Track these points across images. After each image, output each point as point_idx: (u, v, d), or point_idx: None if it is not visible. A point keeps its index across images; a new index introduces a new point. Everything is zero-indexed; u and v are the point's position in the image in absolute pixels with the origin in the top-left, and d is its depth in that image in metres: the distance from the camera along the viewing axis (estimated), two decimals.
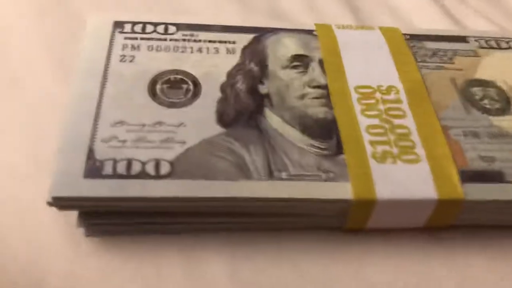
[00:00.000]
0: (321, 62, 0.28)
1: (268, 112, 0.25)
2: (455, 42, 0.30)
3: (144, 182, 0.22)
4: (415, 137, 0.25)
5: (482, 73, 0.29)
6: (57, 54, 0.31)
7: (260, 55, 0.28)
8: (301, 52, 0.28)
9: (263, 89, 0.26)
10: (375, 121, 0.25)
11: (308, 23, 0.31)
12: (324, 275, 0.23)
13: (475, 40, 0.31)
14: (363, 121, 0.25)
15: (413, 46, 0.30)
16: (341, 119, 0.25)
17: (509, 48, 0.30)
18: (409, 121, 0.26)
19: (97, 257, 0.23)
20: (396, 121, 0.26)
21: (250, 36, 0.29)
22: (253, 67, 0.27)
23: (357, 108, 0.26)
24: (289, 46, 0.29)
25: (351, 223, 0.24)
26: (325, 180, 0.23)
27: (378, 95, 0.27)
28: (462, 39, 0.31)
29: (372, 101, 0.26)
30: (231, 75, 0.27)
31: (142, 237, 0.23)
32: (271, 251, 0.24)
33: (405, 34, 0.30)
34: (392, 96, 0.27)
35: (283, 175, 0.23)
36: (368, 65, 0.28)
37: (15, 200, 0.24)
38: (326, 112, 0.26)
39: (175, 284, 0.22)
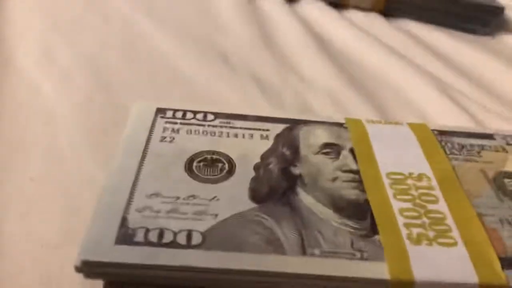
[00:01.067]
0: (352, 151, 0.29)
1: (300, 191, 0.26)
2: (482, 138, 0.31)
3: (175, 251, 0.22)
4: (450, 221, 0.25)
5: None
6: (100, 139, 0.32)
7: (292, 142, 0.29)
8: (332, 141, 0.29)
9: (295, 170, 0.27)
10: (409, 205, 0.25)
11: (338, 117, 0.32)
12: None
13: (502, 138, 0.32)
14: (396, 205, 0.25)
15: (441, 140, 0.31)
16: (374, 202, 0.25)
17: None
18: (442, 207, 0.25)
19: None
20: (430, 206, 0.25)
21: (283, 126, 0.30)
22: (286, 151, 0.28)
23: (390, 192, 0.26)
24: (321, 136, 0.30)
25: None
26: (360, 259, 0.22)
27: (410, 181, 0.27)
28: (489, 136, 0.32)
29: (405, 186, 0.27)
30: (264, 157, 0.28)
31: None
32: None
33: (433, 130, 0.31)
34: (424, 183, 0.27)
35: (316, 251, 0.22)
36: (398, 154, 0.29)
37: (42, 268, 0.24)
38: (358, 194, 0.26)
39: None
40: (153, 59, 0.41)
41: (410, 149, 0.29)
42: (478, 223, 0.25)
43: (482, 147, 0.30)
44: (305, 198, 0.25)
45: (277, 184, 0.26)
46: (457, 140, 0.31)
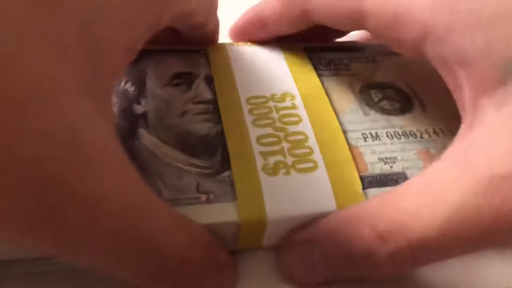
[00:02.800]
0: (208, 79, 0.25)
1: (142, 132, 0.22)
2: (351, 51, 0.29)
3: None
4: (312, 142, 0.22)
5: (381, 76, 0.27)
6: None
7: (138, 75, 0.25)
8: (185, 70, 0.26)
9: (138, 109, 0.23)
10: (268, 130, 0.23)
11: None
12: None
13: (372, 49, 0.29)
14: (254, 132, 0.23)
15: (310, 57, 0.28)
16: (229, 133, 0.22)
17: None
18: (305, 126, 0.23)
19: None
20: (291, 128, 0.23)
21: None
22: (129, 87, 0.24)
23: (248, 119, 0.23)
24: (172, 65, 0.26)
25: (243, 244, 0.20)
26: (205, 202, 0.20)
27: (271, 103, 0.24)
28: (359, 48, 0.29)
29: (265, 110, 0.24)
30: None
31: None
32: None
33: (304, 48, 0.28)
34: (287, 103, 0.24)
35: None
36: (262, 76, 0.26)
37: None
38: (210, 127, 0.23)
39: None
40: None
41: (276, 69, 0.26)
42: (343, 141, 0.23)
43: (351, 60, 0.28)
44: (147, 139, 0.22)
45: (117, 128, 0.22)
46: (325, 55, 0.28)
